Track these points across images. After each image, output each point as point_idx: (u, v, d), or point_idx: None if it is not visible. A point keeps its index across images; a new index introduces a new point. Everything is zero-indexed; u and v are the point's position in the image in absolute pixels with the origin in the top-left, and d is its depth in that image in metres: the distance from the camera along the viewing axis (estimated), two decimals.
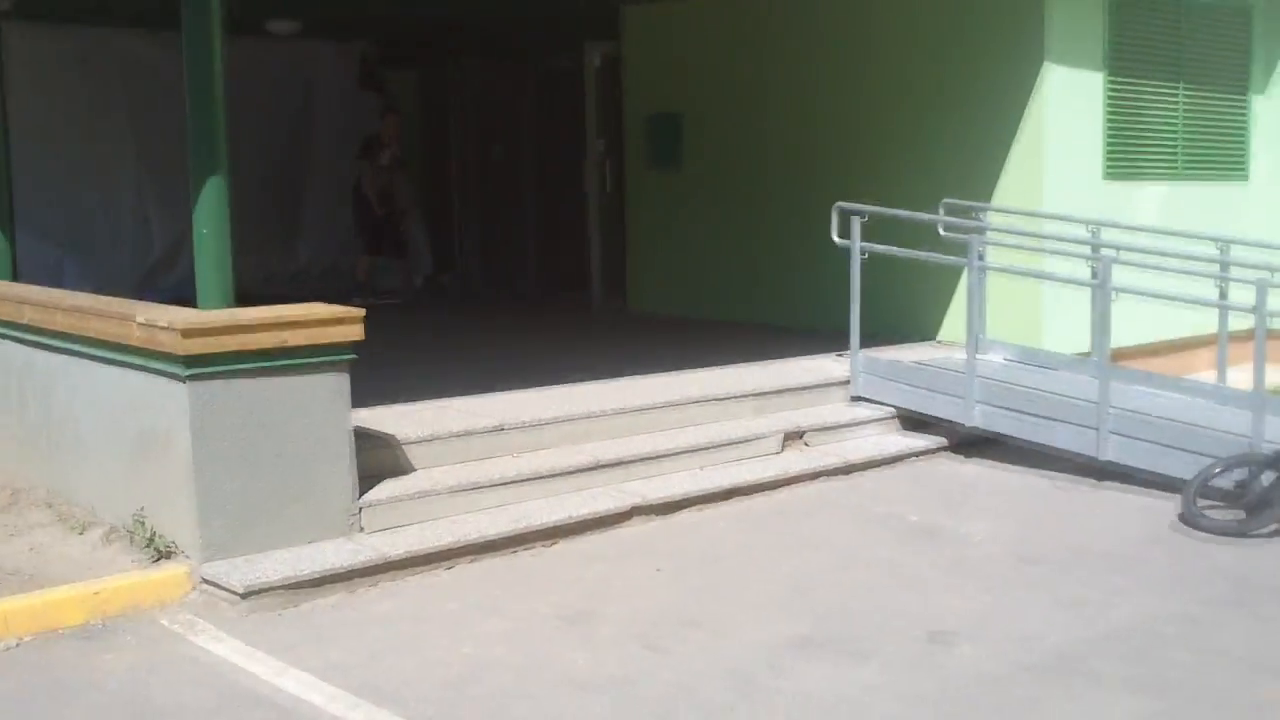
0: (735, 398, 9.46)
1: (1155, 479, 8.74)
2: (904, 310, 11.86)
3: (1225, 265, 10.31)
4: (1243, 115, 13.52)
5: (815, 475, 8.96)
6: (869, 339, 10.42)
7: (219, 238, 7.10)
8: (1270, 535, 7.80)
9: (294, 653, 5.92)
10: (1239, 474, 8.15)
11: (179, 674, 5.72)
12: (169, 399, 6.72)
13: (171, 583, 6.54)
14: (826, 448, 9.40)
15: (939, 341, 11.73)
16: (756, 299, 13.38)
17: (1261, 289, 8.52)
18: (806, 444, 9.38)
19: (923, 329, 11.88)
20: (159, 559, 6.71)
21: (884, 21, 12.26)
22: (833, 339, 10.76)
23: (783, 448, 9.20)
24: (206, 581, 6.54)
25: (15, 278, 9.19)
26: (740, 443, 8.99)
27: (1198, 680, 5.70)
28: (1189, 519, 8.02)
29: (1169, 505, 8.34)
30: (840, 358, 10.48)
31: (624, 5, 14.27)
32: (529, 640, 6.13)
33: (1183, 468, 8.47)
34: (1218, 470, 8.22)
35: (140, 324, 6.82)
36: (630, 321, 14.00)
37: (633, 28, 14.46)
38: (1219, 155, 13.34)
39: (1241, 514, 7.97)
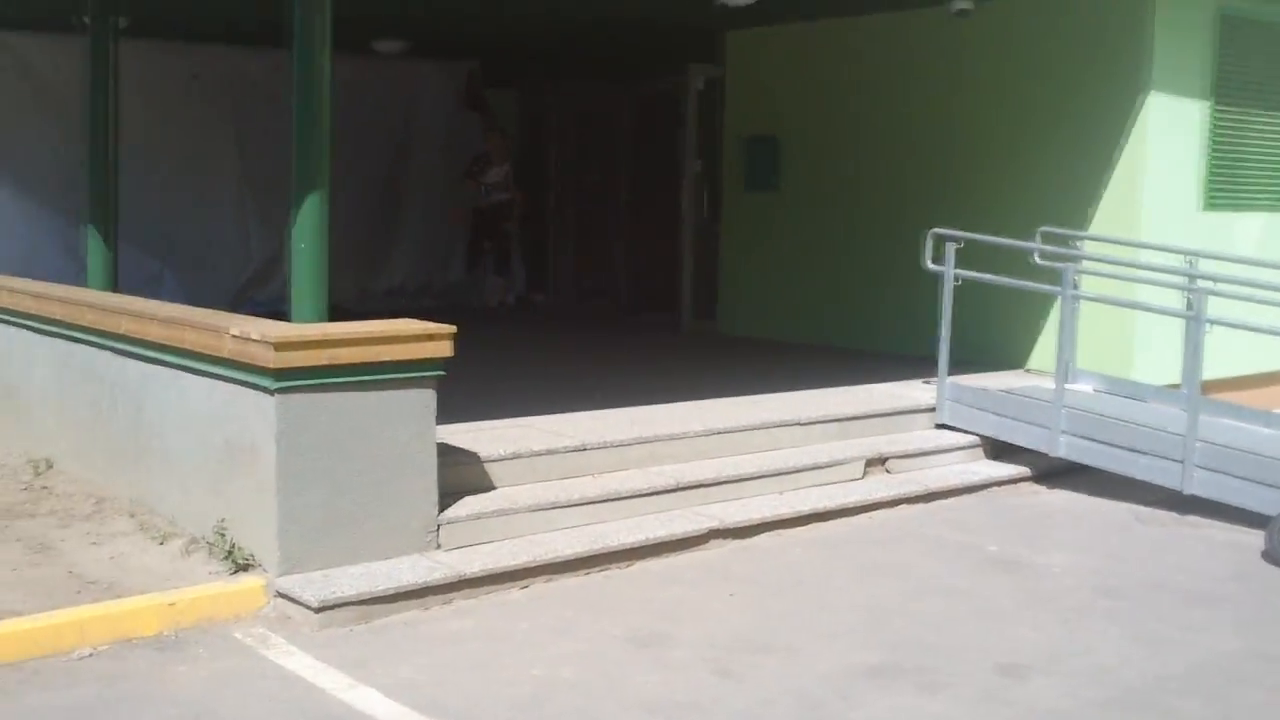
0: (819, 422, 9.45)
1: (1241, 514, 8.64)
2: (993, 338, 11.79)
3: None
4: None
5: (896, 502, 8.93)
6: (957, 366, 10.37)
7: (316, 253, 7.22)
8: None
9: (364, 669, 5.99)
10: None
11: (249, 687, 5.79)
12: (257, 411, 6.82)
13: (247, 595, 6.63)
14: (909, 475, 9.36)
15: (1028, 370, 11.65)
16: (846, 323, 13.36)
17: None
18: (889, 470, 9.35)
19: (1012, 357, 11.80)
20: (236, 571, 6.81)
21: (982, 46, 12.20)
22: (921, 365, 10.73)
23: (864, 473, 9.18)
24: (281, 595, 6.62)
25: (115, 288, 9.39)
26: (822, 467, 8.98)
27: (1274, 718, 5.62)
28: (1273, 556, 7.92)
29: (1254, 540, 8.24)
30: (927, 384, 10.44)
31: (728, 30, 14.32)
32: (599, 662, 6.16)
33: (1269, 503, 8.35)
34: None
35: (233, 336, 6.90)
36: (718, 343, 14.02)
37: (735, 51, 14.51)
38: None
39: None
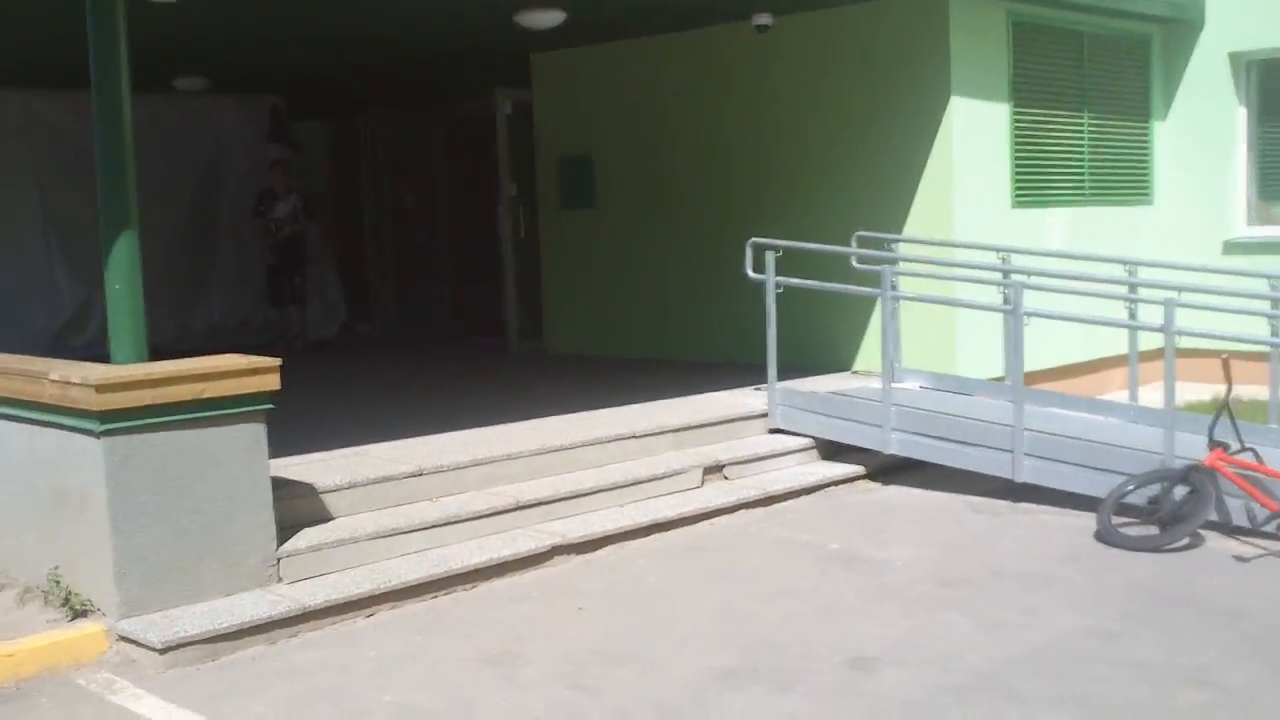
0: (654, 434, 9.48)
1: (1071, 499, 8.86)
2: (820, 342, 11.95)
3: (1133, 287, 10.46)
4: (1145, 140, 13.79)
5: (736, 508, 8.99)
6: (786, 371, 10.49)
7: (131, 293, 7.05)
8: (1184, 549, 7.92)
9: (215, 707, 5.86)
10: (1152, 490, 8.26)
11: None
12: (84, 456, 6.66)
13: (88, 641, 6.45)
14: (746, 480, 9.43)
15: (855, 372, 11.83)
16: (674, 335, 13.43)
17: (1169, 308, 8.64)
18: (726, 477, 9.41)
19: (839, 360, 11.97)
20: (75, 617, 6.62)
21: (789, 58, 12.37)
22: (751, 372, 10.83)
23: (703, 482, 9.23)
24: (124, 639, 6.45)
25: None
26: (660, 479, 9.01)
27: (1117, 693, 5.76)
28: (1105, 536, 8.13)
29: (1085, 523, 8.44)
30: (758, 390, 10.53)
31: (533, 53, 14.33)
32: (452, 685, 6.09)
33: (1097, 486, 8.59)
34: (1131, 487, 8.34)
35: (53, 381, 6.75)
36: (548, 362, 14.01)
37: (542, 74, 14.52)
38: (1124, 180, 13.59)
39: (1156, 529, 8.08)
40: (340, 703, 5.90)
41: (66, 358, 8.46)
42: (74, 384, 6.60)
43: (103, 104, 7.02)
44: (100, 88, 7.02)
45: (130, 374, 6.68)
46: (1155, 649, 6.30)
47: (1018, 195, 12.23)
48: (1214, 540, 8.09)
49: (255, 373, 7.00)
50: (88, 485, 6.64)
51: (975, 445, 9.28)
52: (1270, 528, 7.92)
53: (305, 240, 15.60)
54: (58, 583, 6.83)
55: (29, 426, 7.06)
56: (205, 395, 6.81)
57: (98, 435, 6.51)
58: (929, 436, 9.52)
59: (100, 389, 6.48)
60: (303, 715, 5.77)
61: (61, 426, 6.78)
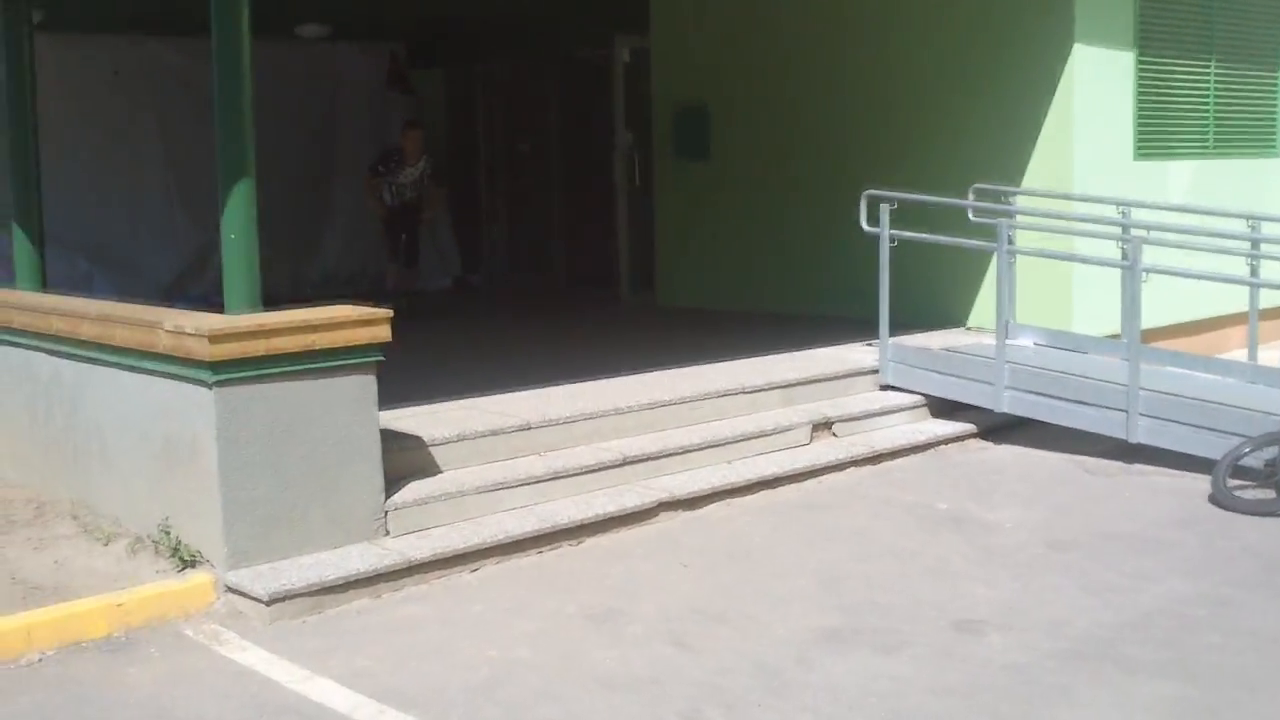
0: (763, 390, 9.43)
1: (1186, 460, 8.70)
2: (934, 297, 11.81)
3: (1256, 243, 10.22)
4: (1273, 90, 13.45)
5: (844, 465, 8.94)
6: (899, 326, 10.38)
7: (246, 242, 7.10)
8: None
9: (319, 659, 5.93)
10: (1269, 453, 8.09)
11: (203, 685, 5.72)
12: (195, 406, 6.72)
13: (196, 592, 6.55)
14: (855, 437, 9.37)
15: (968, 328, 11.69)
16: (786, 289, 13.35)
17: None
18: (835, 434, 9.35)
19: (952, 315, 11.83)
20: (184, 568, 6.72)
21: (910, 6, 12.19)
22: (863, 327, 10.73)
23: (811, 438, 9.17)
24: (231, 590, 6.55)
25: (44, 289, 9.24)
26: (768, 434, 8.97)
27: (1227, 662, 5.66)
28: (1219, 499, 7.98)
29: (1200, 486, 8.30)
30: (869, 346, 10.44)
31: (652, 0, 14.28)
32: (555, 641, 6.13)
33: (1213, 448, 8.42)
34: (1247, 450, 8.17)
35: (167, 330, 6.81)
36: (659, 315, 13.99)
37: (660, 20, 14.44)
38: (1250, 131, 13.27)
39: (1272, 493, 7.92)
40: (444, 657, 5.95)
41: (183, 304, 8.63)
42: (188, 334, 6.65)
43: (222, 50, 7.04)
44: (219, 33, 7.04)
45: (243, 324, 6.72)
46: (1269, 617, 6.19)
47: (1140, 147, 11.99)
48: None
49: (366, 324, 7.02)
50: (198, 435, 6.72)
51: (1089, 404, 9.13)
52: None
53: (422, 205, 14.79)
54: (167, 533, 6.92)
55: (143, 376, 7.13)
56: (316, 346, 6.84)
57: (210, 385, 6.56)
58: (1042, 395, 9.39)
59: (214, 339, 6.52)
60: (406, 669, 5.82)
61: (174, 376, 6.84)
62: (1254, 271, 10.00)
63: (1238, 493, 8.00)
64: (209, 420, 6.62)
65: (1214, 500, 8.03)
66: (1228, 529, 7.58)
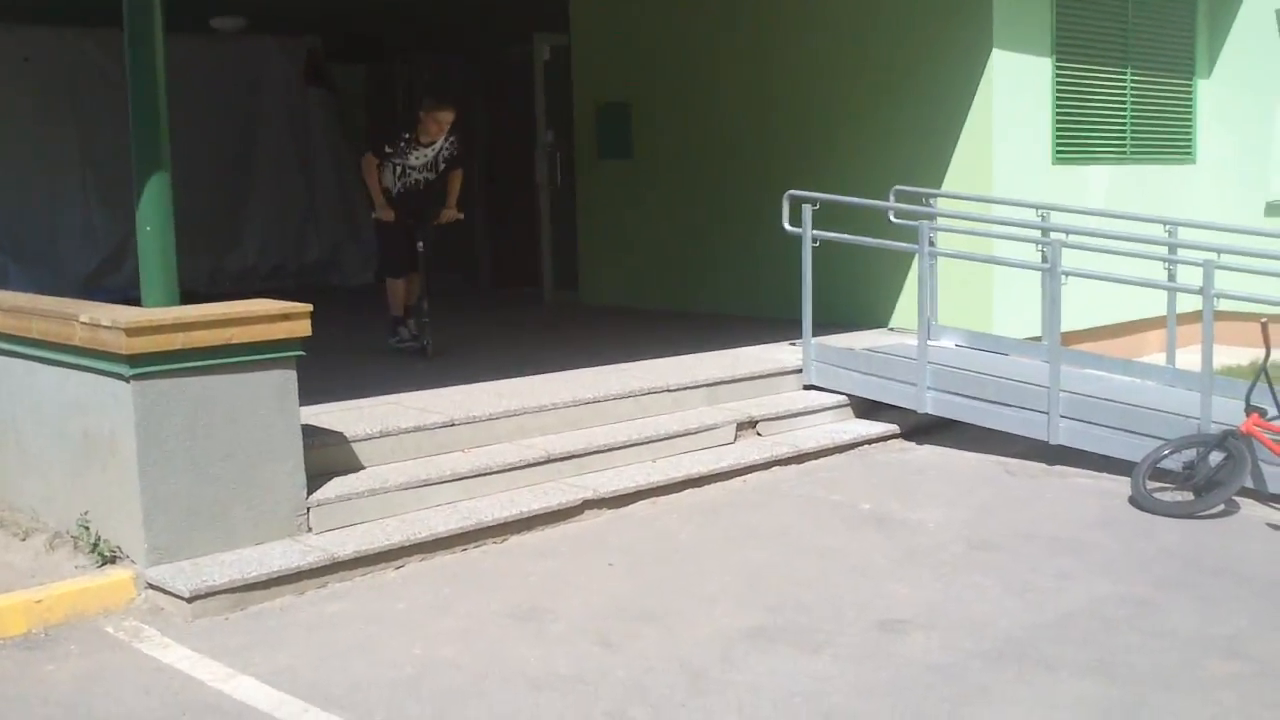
0: (688, 388, 9.44)
1: (1106, 462, 8.80)
2: (857, 297, 11.88)
3: (1173, 247, 10.34)
4: (1189, 98, 13.65)
5: (768, 464, 8.96)
6: (822, 327, 10.43)
7: (163, 235, 7.03)
8: (1218, 515, 7.86)
9: (242, 657, 5.86)
10: (1188, 455, 8.19)
11: (124, 682, 5.64)
12: (113, 400, 6.64)
13: (116, 588, 6.46)
14: (779, 436, 9.39)
15: (891, 328, 11.76)
16: (709, 288, 13.37)
17: (1208, 270, 8.55)
18: (759, 433, 9.37)
19: (875, 316, 11.90)
20: (104, 564, 6.63)
21: (835, 11, 12.24)
22: (786, 327, 10.77)
23: (736, 437, 9.19)
24: (152, 586, 6.46)
25: None
26: (693, 433, 8.97)
27: (1146, 661, 5.71)
28: (1139, 501, 8.07)
29: (1120, 487, 8.39)
30: (793, 346, 10.48)
31: None
32: (480, 639, 6.09)
33: (1133, 450, 8.52)
34: (1167, 452, 8.27)
35: (83, 323, 6.72)
36: (582, 313, 13.96)
37: (580, 19, 14.42)
38: (1166, 138, 13.46)
39: (1190, 495, 8.02)
40: (368, 654, 5.90)
41: (101, 299, 8.48)
42: (104, 327, 6.58)
43: (134, 41, 6.97)
44: (131, 24, 6.97)
45: (160, 318, 6.65)
46: (1187, 617, 6.25)
47: (1058, 152, 12.12)
48: (1249, 507, 8.03)
49: (286, 318, 6.96)
50: (117, 430, 6.63)
51: (1010, 406, 9.21)
52: None
53: (433, 197, 11.50)
54: (87, 528, 6.83)
55: (60, 369, 7.05)
56: (235, 340, 6.78)
57: (127, 379, 6.49)
58: (964, 396, 9.46)
59: (130, 332, 6.45)
60: (330, 666, 5.77)
61: (91, 370, 6.77)
62: (1171, 276, 10.10)
63: (1157, 494, 8.08)
64: (127, 414, 6.54)
65: (1134, 502, 8.12)
66: (1147, 530, 7.66)
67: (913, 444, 9.79)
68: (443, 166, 11.34)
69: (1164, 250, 10.35)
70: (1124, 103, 12.85)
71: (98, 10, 11.71)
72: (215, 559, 6.65)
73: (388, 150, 11.21)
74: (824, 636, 6.06)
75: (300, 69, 17.05)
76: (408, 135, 11.20)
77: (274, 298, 7.31)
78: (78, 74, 14.90)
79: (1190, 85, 13.66)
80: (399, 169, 11.23)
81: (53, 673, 5.76)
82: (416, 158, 11.23)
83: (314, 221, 17.09)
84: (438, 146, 11.25)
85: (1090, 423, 8.85)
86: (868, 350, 10.27)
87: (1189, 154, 13.73)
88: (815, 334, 10.20)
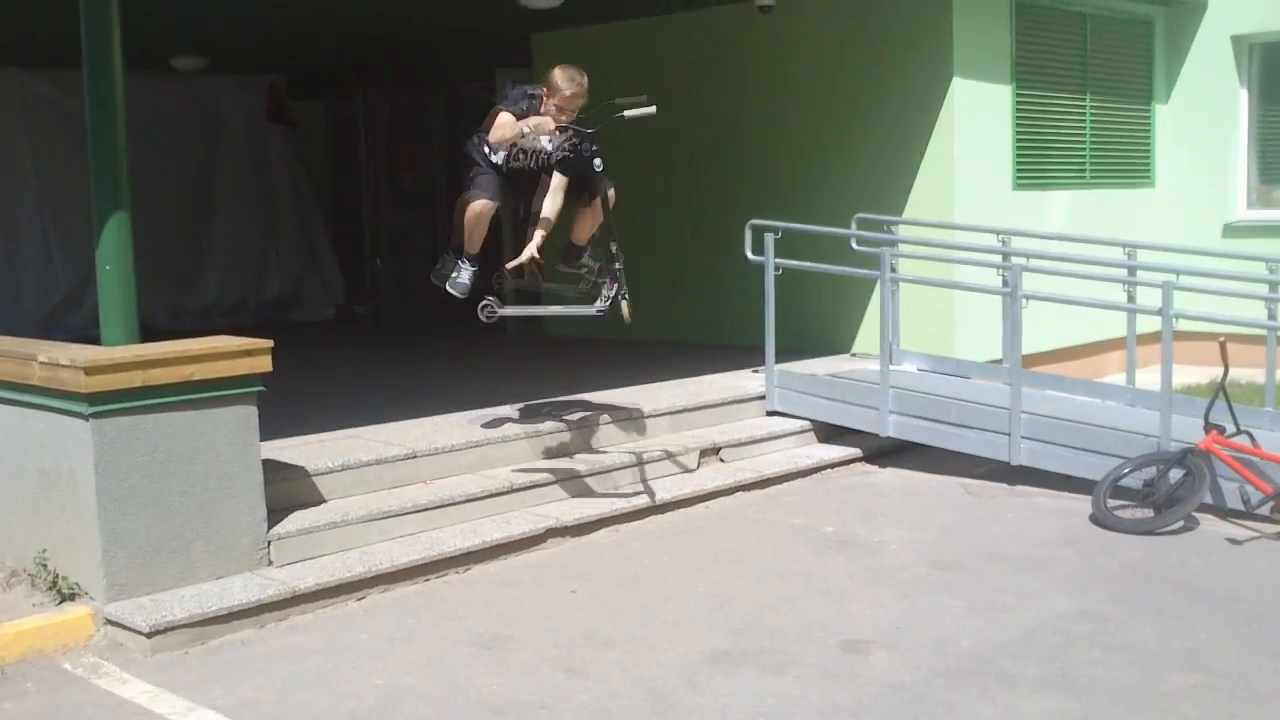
0: (651, 416, 9.45)
1: (1067, 481, 8.85)
2: (819, 324, 11.92)
3: (1132, 269, 10.41)
4: (1147, 123, 13.76)
5: (732, 490, 8.97)
6: (785, 354, 10.46)
7: (122, 274, 7.01)
8: (1178, 532, 7.90)
9: (202, 691, 5.83)
10: (1147, 473, 8.24)
11: (83, 718, 5.60)
12: (72, 438, 6.62)
13: (75, 625, 6.43)
14: (742, 462, 9.41)
15: (854, 354, 11.80)
16: (673, 317, 13.38)
17: (1167, 292, 8.61)
18: (723, 459, 9.38)
19: (838, 342, 11.93)
20: (62, 601, 6.60)
21: (796, 42, 12.32)
22: (749, 355, 10.80)
23: (699, 464, 9.20)
24: (111, 622, 6.43)
25: None
26: (656, 460, 8.97)
27: (1107, 676, 5.73)
28: (1100, 519, 8.12)
29: (1081, 506, 8.43)
30: (756, 373, 10.50)
31: (534, 33, 14.26)
32: (443, 668, 6.07)
33: (1093, 469, 8.57)
34: (1127, 470, 8.32)
35: (42, 363, 6.71)
36: (545, 344, 13.96)
37: (542, 54, 14.42)
38: (1125, 162, 13.55)
39: (1150, 512, 8.06)
40: (329, 686, 5.87)
41: (60, 338, 8.48)
42: (62, 366, 6.56)
43: (94, 81, 6.97)
44: (92, 65, 6.96)
45: (120, 356, 6.64)
46: (1147, 632, 6.28)
47: (1019, 177, 12.20)
48: (1208, 523, 8.09)
49: (246, 354, 6.96)
50: (76, 468, 6.61)
51: (972, 428, 9.26)
52: (1264, 510, 7.93)
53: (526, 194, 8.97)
54: (45, 565, 6.80)
55: (18, 409, 7.02)
56: (195, 377, 6.77)
57: (86, 417, 6.47)
58: (926, 419, 9.50)
59: (89, 371, 6.43)
60: (291, 699, 5.74)
61: (50, 409, 6.74)
62: (1131, 297, 10.16)
63: (1118, 512, 8.13)
64: (86, 453, 6.52)
65: (1095, 520, 8.16)
66: (1108, 547, 7.70)
67: (875, 467, 9.82)
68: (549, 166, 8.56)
69: (1123, 272, 10.43)
70: (1083, 128, 12.95)
71: (57, 51, 11.72)
72: (175, 594, 6.62)
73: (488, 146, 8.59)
74: (788, 658, 6.07)
75: (261, 106, 17.05)
76: (534, 97, 8.51)
77: (235, 334, 7.30)
78: (36, 115, 14.88)
79: (1148, 110, 13.78)
80: (520, 155, 8.57)
81: (10, 711, 5.71)
82: (531, 137, 8.41)
83: (275, 258, 17.06)
84: (568, 141, 8.55)
85: (1051, 443, 8.90)
86: (830, 376, 10.30)
87: (1148, 177, 13.83)
88: (778, 361, 10.24)
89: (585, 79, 8.51)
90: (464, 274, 8.67)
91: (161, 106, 15.27)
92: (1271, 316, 9.51)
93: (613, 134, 13.56)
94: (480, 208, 8.50)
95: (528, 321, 14.56)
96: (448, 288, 8.63)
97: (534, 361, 12.65)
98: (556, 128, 8.35)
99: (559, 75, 8.41)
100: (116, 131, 6.99)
